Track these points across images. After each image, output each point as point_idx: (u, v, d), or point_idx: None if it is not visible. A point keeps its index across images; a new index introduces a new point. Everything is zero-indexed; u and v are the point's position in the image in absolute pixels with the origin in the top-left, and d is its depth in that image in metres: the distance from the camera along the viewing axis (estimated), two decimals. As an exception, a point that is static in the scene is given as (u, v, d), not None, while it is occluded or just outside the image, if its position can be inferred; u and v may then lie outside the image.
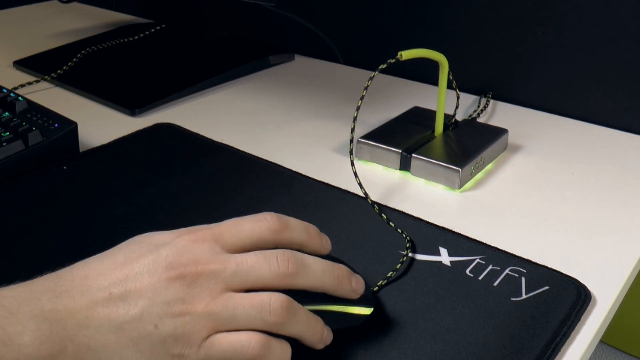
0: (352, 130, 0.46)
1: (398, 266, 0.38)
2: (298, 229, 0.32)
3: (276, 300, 0.28)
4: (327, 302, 0.31)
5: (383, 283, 0.37)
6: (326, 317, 0.31)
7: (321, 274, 0.31)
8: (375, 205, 0.44)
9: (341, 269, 0.32)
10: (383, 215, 0.44)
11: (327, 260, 0.32)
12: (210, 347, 0.28)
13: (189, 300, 0.28)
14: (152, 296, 0.27)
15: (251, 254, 0.30)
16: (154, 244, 0.30)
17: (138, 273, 0.28)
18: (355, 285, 0.32)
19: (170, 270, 0.28)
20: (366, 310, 0.33)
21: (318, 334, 0.30)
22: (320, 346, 0.31)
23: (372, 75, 0.46)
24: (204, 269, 0.28)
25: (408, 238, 0.41)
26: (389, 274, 0.38)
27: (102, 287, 0.28)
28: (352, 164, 0.47)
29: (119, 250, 0.30)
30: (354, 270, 0.34)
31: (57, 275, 0.29)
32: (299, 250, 0.32)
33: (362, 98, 0.46)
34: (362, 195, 0.46)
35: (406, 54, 0.46)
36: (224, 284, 0.28)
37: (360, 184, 0.46)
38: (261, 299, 0.28)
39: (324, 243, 0.34)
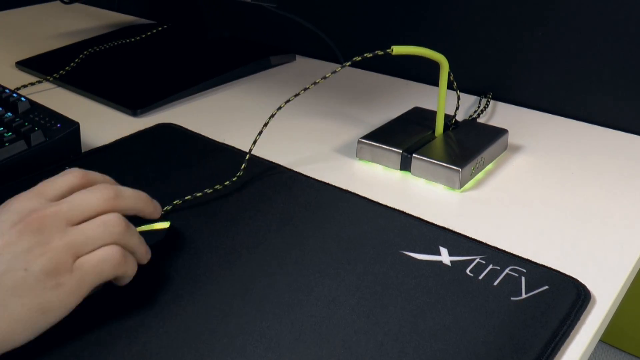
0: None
1: (209, 190, 0.45)
2: (132, 197, 0.37)
3: (113, 216, 0.34)
4: (138, 224, 0.38)
5: (179, 202, 0.45)
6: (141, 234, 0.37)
7: (133, 198, 0.37)
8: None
9: (144, 194, 0.38)
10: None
11: (137, 190, 0.38)
12: (81, 268, 0.32)
13: (44, 241, 0.31)
14: (11, 250, 0.31)
15: (77, 193, 0.35)
16: None
17: None
18: (156, 206, 0.39)
19: (15, 225, 0.32)
20: (165, 225, 0.40)
21: (144, 247, 0.36)
22: (146, 260, 0.37)
23: (344, 64, 0.47)
24: (44, 214, 0.32)
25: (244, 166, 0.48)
26: (186, 197, 0.45)
27: None
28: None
29: None
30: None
31: None
32: (134, 216, 0.37)
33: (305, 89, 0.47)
34: (363, 195, 0.46)
35: (398, 49, 0.46)
36: (66, 220, 0.33)
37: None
38: (103, 219, 0.34)
39: (157, 208, 0.39)
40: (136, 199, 0.37)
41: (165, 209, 0.44)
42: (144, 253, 0.37)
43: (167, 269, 0.39)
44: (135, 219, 0.38)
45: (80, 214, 0.34)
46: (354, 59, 0.46)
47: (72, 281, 0.32)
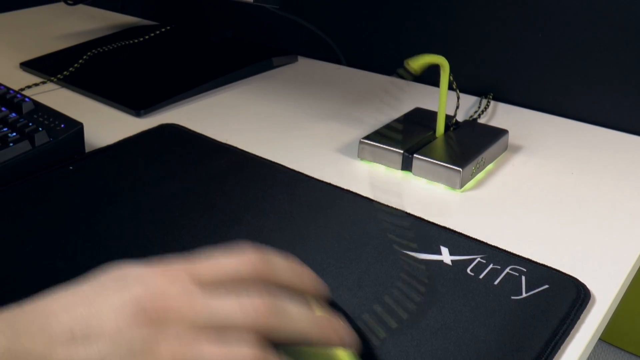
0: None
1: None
2: (283, 268, 0.29)
3: (247, 353, 0.26)
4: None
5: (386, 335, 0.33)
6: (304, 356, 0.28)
7: (306, 326, 0.28)
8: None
9: (331, 324, 0.28)
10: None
11: (312, 313, 0.28)
12: None
13: (154, 343, 0.25)
14: (115, 336, 0.25)
15: (227, 299, 0.27)
16: (124, 277, 0.27)
17: (103, 311, 0.26)
18: (346, 339, 0.29)
19: (138, 310, 0.26)
20: (346, 357, 0.29)
21: None
22: None
23: (395, 80, 0.46)
24: (174, 311, 0.26)
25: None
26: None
27: (64, 325, 0.26)
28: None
29: (87, 283, 0.28)
30: (351, 320, 0.32)
31: (21, 310, 0.27)
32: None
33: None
34: (364, 195, 0.46)
35: (413, 63, 0.46)
36: (192, 325, 0.26)
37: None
38: (231, 352, 0.26)
39: (319, 286, 0.30)
40: (307, 320, 0.28)
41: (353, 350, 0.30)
42: None
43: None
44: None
45: (213, 323, 0.26)
46: (403, 74, 0.45)
47: None
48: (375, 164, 0.53)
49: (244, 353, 0.26)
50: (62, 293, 0.27)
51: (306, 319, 0.28)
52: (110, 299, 0.26)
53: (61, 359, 0.25)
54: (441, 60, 0.50)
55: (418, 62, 0.46)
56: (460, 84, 0.68)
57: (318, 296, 0.30)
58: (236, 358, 0.26)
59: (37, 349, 0.25)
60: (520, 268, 0.38)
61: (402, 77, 0.45)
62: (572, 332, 0.34)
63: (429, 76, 0.71)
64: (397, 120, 0.57)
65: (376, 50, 0.77)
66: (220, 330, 0.26)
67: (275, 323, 0.27)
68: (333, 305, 0.33)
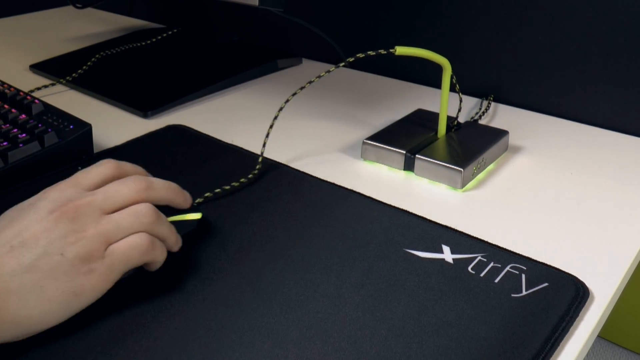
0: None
1: (236, 184, 0.47)
2: (163, 188, 0.38)
3: (144, 206, 0.36)
4: (171, 214, 0.39)
5: (209, 195, 0.46)
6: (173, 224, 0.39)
7: (164, 189, 0.38)
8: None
9: (174, 185, 0.40)
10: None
11: (168, 181, 0.39)
12: (111, 255, 0.34)
13: (79, 229, 0.33)
14: (48, 235, 0.32)
15: (111, 184, 0.37)
16: (28, 203, 0.35)
17: (27, 225, 0.33)
18: (187, 196, 0.41)
19: (53, 213, 0.33)
20: (197, 215, 0.41)
21: (174, 236, 0.38)
22: (176, 248, 0.38)
23: (371, 53, 0.47)
24: (80, 203, 0.34)
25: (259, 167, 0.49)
26: (217, 190, 0.46)
27: (1, 244, 0.32)
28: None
29: (5, 216, 0.35)
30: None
31: None
32: (165, 206, 0.39)
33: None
34: (367, 194, 0.47)
35: (401, 50, 0.46)
36: (100, 209, 0.35)
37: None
38: (135, 209, 0.36)
39: (187, 198, 0.41)
40: (167, 189, 0.39)
41: (196, 201, 0.45)
42: (174, 241, 0.38)
43: (179, 266, 0.40)
44: (169, 210, 0.39)
45: (113, 203, 0.35)
46: (357, 55, 0.47)
47: (103, 267, 0.33)
48: (378, 164, 0.53)
49: (143, 207, 0.36)
50: None
51: (165, 184, 0.39)
52: (29, 216, 0.34)
53: (12, 264, 0.31)
54: (443, 62, 0.50)
55: (407, 51, 0.47)
56: (462, 86, 0.68)
57: (186, 202, 0.41)
58: (140, 211, 0.35)
59: None
60: (520, 266, 0.39)
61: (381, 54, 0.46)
62: (571, 329, 0.34)
63: (432, 78, 0.71)
64: (400, 121, 0.58)
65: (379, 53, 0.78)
66: (117, 203, 0.36)
67: (149, 189, 0.37)
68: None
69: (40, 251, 0.32)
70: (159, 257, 0.36)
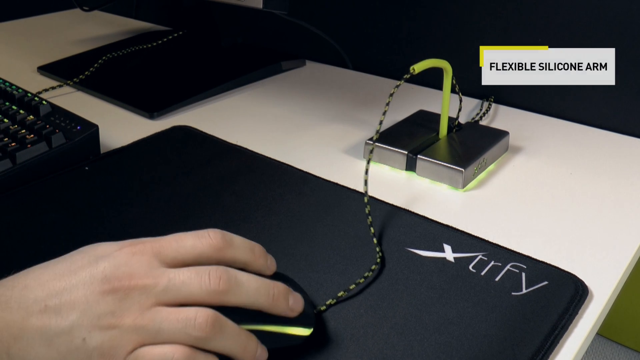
0: (380, 122, 0.47)
1: (352, 287, 0.37)
2: (242, 247, 0.32)
3: (202, 315, 0.28)
4: (263, 322, 0.31)
5: (332, 302, 0.36)
6: (262, 336, 0.31)
7: (255, 291, 0.30)
8: (367, 206, 0.43)
9: (278, 286, 0.31)
10: (369, 218, 0.43)
11: (263, 278, 0.31)
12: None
13: (119, 313, 0.28)
14: (84, 309, 0.28)
15: (185, 269, 0.30)
16: (95, 255, 0.30)
17: (74, 285, 0.28)
18: (292, 303, 0.32)
19: (105, 283, 0.28)
20: (305, 331, 0.32)
21: (250, 352, 0.30)
22: None
23: (397, 84, 0.46)
24: (136, 283, 0.28)
25: (380, 255, 0.40)
26: (339, 294, 0.36)
27: (38, 299, 0.28)
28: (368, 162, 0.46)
29: (62, 261, 0.30)
30: (299, 289, 0.34)
31: (0, 284, 0.29)
32: (242, 269, 0.31)
33: (387, 104, 0.46)
34: (370, 194, 0.47)
35: (417, 67, 0.47)
36: (155, 299, 0.28)
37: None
38: (187, 314, 0.28)
39: (269, 263, 0.33)
40: (256, 292, 0.30)
41: (318, 308, 0.35)
42: (250, 357, 0.30)
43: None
44: (265, 315, 0.31)
45: (174, 298, 0.29)
46: (398, 83, 0.46)
47: None
48: (380, 164, 0.54)
49: (199, 315, 0.28)
50: (37, 269, 0.30)
51: (256, 285, 0.30)
52: (80, 275, 0.29)
53: (35, 330, 0.27)
54: (444, 65, 0.51)
55: (421, 66, 0.47)
56: (462, 87, 0.69)
57: (268, 268, 0.33)
58: (192, 319, 0.28)
59: (14, 319, 0.28)
60: (521, 265, 0.39)
61: (406, 80, 0.46)
62: (570, 327, 0.35)
63: (433, 80, 0.72)
64: (402, 122, 0.58)
65: (381, 55, 0.78)
66: (179, 298, 0.29)
67: (230, 292, 0.29)
68: (283, 278, 0.34)
69: (66, 325, 0.27)
70: None
